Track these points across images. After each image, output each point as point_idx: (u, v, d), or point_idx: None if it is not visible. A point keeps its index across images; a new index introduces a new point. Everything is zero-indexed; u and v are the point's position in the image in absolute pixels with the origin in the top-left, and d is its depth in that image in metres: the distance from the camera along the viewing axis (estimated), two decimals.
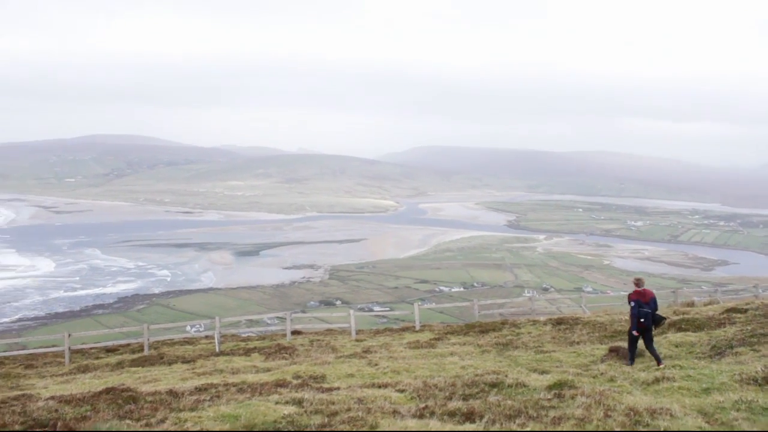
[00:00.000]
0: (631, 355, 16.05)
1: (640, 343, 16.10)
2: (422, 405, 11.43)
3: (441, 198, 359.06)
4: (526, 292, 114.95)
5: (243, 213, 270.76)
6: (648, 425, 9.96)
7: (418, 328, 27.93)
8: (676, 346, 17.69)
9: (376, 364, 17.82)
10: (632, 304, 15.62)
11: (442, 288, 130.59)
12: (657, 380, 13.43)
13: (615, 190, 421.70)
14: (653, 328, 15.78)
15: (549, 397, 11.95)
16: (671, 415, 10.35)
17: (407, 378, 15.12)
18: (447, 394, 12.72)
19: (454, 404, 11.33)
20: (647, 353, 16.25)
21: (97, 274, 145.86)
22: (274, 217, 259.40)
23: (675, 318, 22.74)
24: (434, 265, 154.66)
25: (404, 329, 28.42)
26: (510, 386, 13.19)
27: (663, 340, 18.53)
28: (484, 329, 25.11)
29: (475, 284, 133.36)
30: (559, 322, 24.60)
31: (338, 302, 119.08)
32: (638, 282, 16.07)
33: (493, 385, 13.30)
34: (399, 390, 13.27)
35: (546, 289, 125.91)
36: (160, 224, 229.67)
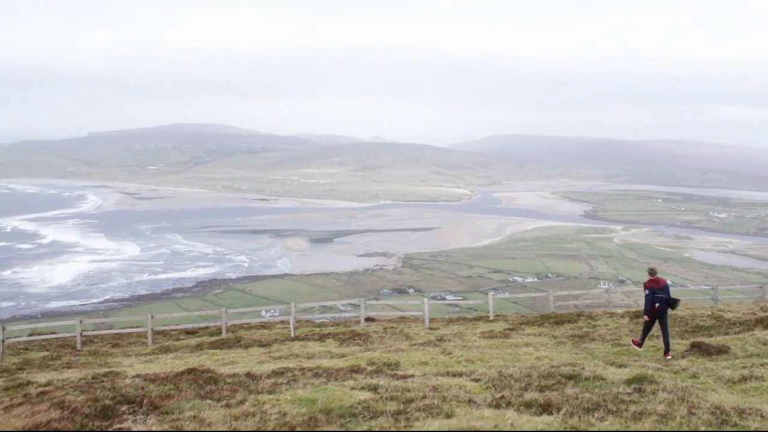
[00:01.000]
0: (642, 337, 17.66)
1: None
2: (498, 395, 11.31)
3: (515, 187, 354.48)
4: (602, 283, 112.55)
5: (318, 200, 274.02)
6: (736, 425, 9.52)
7: (491, 317, 27.72)
8: (764, 344, 16.97)
9: (450, 353, 17.76)
10: (647, 291, 17.09)
11: (515, 278, 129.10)
12: (744, 378, 12.87)
13: (697, 181, 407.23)
14: (668, 311, 17.25)
15: (628, 391, 11.61)
16: (762, 416, 9.88)
17: (481, 367, 15.00)
18: (523, 384, 12.54)
19: (531, 395, 11.16)
20: (732, 348, 16.18)
21: (177, 258, 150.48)
22: (348, 205, 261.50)
23: (762, 315, 21.84)
24: (508, 255, 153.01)
25: (478, 319, 28.27)
26: (587, 379, 12.88)
27: (750, 338, 17.82)
28: (559, 320, 24.72)
29: (550, 275, 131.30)
30: (637, 315, 24.01)
31: (411, 290, 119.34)
32: (652, 271, 17.58)
33: (569, 377, 13.03)
34: (474, 379, 13.16)
35: (623, 281, 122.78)
36: (237, 211, 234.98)
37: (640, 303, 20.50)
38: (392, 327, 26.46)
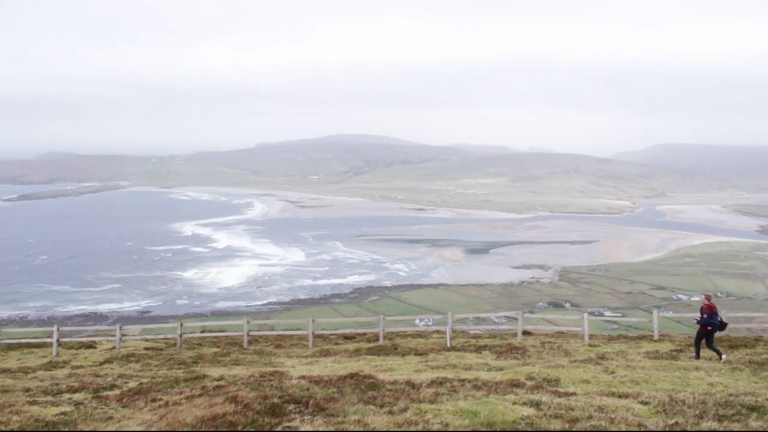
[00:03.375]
0: (696, 350, 20.91)
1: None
2: (671, 421, 10.70)
3: (681, 200, 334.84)
4: None
5: (474, 211, 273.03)
6: None
7: (656, 337, 26.36)
8: None
9: (613, 372, 17.05)
10: (705, 315, 20.51)
11: (680, 296, 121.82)
12: None
13: None
14: (716, 332, 20.71)
15: None
16: None
17: (648, 390, 14.26)
18: (697, 412, 11.76)
19: (708, 424, 10.47)
20: None
21: (336, 265, 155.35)
22: (505, 216, 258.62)
23: None
24: (672, 271, 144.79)
25: (640, 337, 27.02)
26: None
27: None
28: (733, 344, 23.07)
29: (719, 294, 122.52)
30: None
31: (567, 304, 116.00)
32: (708, 297, 21.11)
33: (751, 409, 12.05)
34: (642, 402, 12.53)
35: None
36: (394, 220, 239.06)
37: None
38: (550, 342, 25.86)
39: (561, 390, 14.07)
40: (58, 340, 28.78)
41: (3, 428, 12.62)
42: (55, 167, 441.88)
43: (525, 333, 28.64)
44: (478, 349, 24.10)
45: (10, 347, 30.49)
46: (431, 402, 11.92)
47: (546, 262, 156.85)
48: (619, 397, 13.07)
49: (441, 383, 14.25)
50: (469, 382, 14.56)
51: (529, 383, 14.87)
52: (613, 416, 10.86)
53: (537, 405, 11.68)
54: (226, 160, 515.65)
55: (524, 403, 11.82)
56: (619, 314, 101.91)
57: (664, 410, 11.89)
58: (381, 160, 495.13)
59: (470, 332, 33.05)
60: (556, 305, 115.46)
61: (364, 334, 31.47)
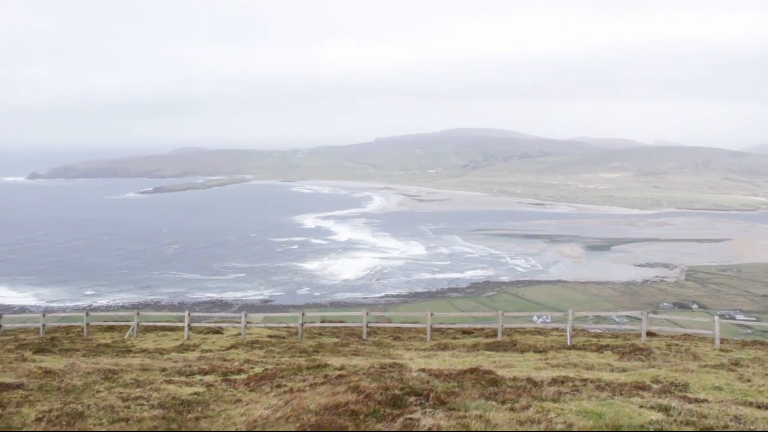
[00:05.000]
0: None
1: None
2: None
3: None
4: None
5: (595, 206, 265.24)
6: None
7: None
8: None
9: (749, 380, 16.10)
10: None
11: None
12: None
13: None
14: None
15: None
16: None
17: None
18: None
19: None
20: None
21: (454, 259, 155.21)
22: (627, 212, 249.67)
23: None
24: None
25: None
26: None
27: None
28: None
29: None
30: None
31: (694, 306, 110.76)
32: None
33: None
34: None
35: None
36: (512, 215, 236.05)
37: None
38: (676, 344, 24.75)
39: (690, 396, 13.44)
40: (189, 325, 30.38)
41: (145, 403, 13.63)
42: (185, 161, 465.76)
43: (649, 334, 27.57)
44: (600, 349, 23.43)
45: (147, 329, 32.53)
46: (553, 401, 11.71)
47: (671, 261, 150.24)
48: (758, 407, 12.28)
49: (562, 382, 13.96)
50: (591, 382, 14.20)
51: (655, 386, 14.30)
52: (752, 428, 10.23)
53: (666, 410, 11.20)
54: (347, 153, 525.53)
55: (652, 407, 11.36)
56: (753, 318, 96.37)
57: None
58: (500, 154, 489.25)
59: (590, 331, 32.28)
60: (682, 306, 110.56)
61: (482, 329, 31.28)
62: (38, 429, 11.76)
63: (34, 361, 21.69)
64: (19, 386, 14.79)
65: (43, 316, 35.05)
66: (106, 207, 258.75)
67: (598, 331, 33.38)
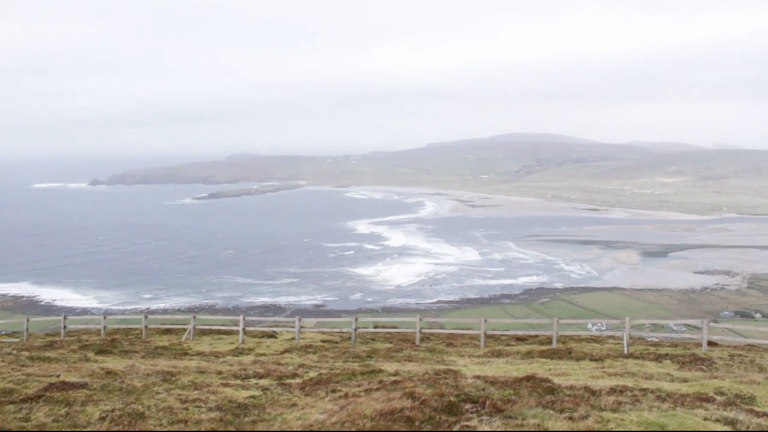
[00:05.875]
0: None
1: None
2: None
3: None
4: None
5: (651, 212, 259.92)
6: None
7: None
8: None
9: None
10: None
11: None
12: None
13: None
14: None
15: None
16: None
17: None
18: None
19: None
20: None
21: (507, 265, 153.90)
22: (685, 218, 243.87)
23: None
24: None
25: None
26: None
27: None
28: None
29: None
30: None
31: (758, 315, 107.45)
32: None
33: None
34: None
35: None
36: (566, 220, 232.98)
37: None
38: (740, 355, 23.97)
39: (758, 409, 12.98)
40: (243, 329, 30.80)
41: (203, 405, 13.87)
42: (239, 168, 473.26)
43: (710, 343, 26.78)
44: (658, 358, 22.85)
45: (203, 332, 33.14)
46: (613, 411, 11.46)
47: (732, 268, 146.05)
48: None
49: (621, 391, 13.67)
50: (651, 392, 13.86)
51: (719, 398, 13.88)
52: None
53: (732, 423, 10.82)
54: (399, 159, 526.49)
55: (717, 420, 11.00)
56: None
57: None
58: (553, 159, 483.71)
59: (648, 339, 31.53)
60: (745, 315, 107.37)
61: (536, 336, 30.89)
62: (102, 428, 12.08)
63: (96, 361, 22.30)
64: (83, 386, 15.22)
65: (104, 318, 36.13)
66: (163, 212, 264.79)
67: (656, 339, 32.61)
